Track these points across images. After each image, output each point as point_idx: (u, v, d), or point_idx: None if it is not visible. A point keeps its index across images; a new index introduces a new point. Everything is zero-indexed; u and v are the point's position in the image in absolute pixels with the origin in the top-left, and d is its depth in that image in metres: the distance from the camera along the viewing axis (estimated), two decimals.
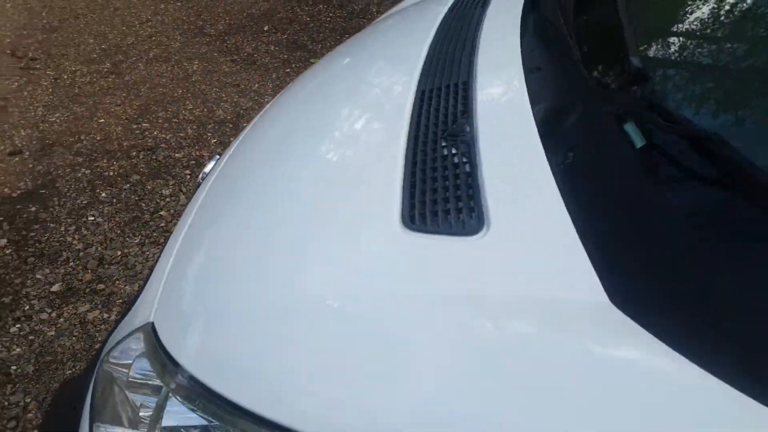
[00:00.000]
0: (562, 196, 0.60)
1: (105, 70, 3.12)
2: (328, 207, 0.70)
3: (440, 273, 0.57)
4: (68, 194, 2.24)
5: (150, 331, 0.64)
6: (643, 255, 0.54)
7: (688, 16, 0.84)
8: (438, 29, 1.05)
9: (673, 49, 0.81)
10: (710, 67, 0.74)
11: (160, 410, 0.56)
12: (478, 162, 0.68)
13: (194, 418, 0.54)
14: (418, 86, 0.86)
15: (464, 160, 0.69)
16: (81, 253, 1.99)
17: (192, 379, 0.55)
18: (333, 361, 0.54)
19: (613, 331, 0.48)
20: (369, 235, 0.64)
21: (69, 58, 3.21)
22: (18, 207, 2.17)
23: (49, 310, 1.78)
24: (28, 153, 2.46)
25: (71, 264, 1.94)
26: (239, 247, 0.70)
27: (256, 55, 3.39)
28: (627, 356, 0.47)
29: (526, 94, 0.76)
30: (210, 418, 0.53)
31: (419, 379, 0.50)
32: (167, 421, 0.55)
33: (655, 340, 0.46)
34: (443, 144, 0.73)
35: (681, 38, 0.81)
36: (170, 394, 0.56)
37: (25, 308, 1.78)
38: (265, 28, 3.71)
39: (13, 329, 1.72)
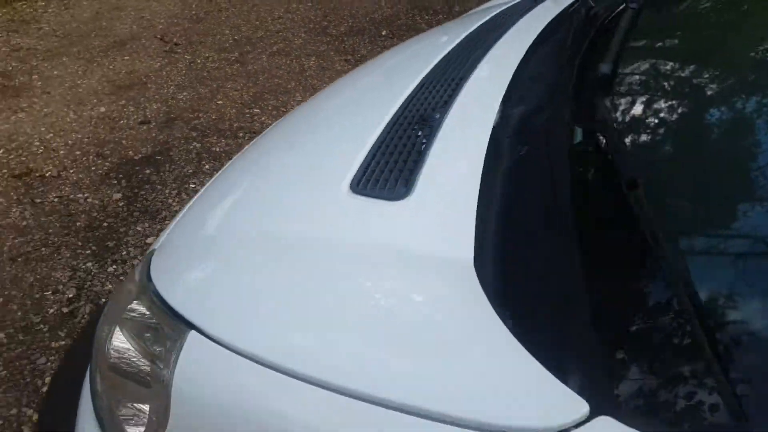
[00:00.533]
0: (482, 178, 0.68)
1: (233, 58, 3.46)
2: (309, 171, 0.83)
3: (365, 227, 0.69)
4: (178, 162, 2.55)
5: (149, 256, 0.79)
6: (506, 236, 0.61)
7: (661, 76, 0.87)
8: (474, 31, 1.14)
9: (632, 96, 0.85)
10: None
11: (125, 304, 0.73)
12: (432, 143, 0.78)
13: (148, 317, 0.69)
14: (425, 78, 0.96)
15: (423, 141, 0.80)
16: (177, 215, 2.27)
17: (154, 291, 0.70)
18: (272, 288, 0.67)
19: (461, 287, 0.56)
20: (324, 193, 0.78)
21: (205, 46, 3.59)
22: (136, 168, 2.50)
23: (141, 258, 2.06)
24: (154, 123, 2.81)
25: (167, 222, 2.22)
26: (229, 196, 0.85)
27: (369, 57, 3.58)
28: (462, 311, 0.55)
29: (503, 95, 0.84)
30: (156, 321, 0.68)
31: (326, 303, 0.62)
32: (128, 314, 0.71)
33: (488, 304, 0.53)
34: (414, 127, 0.83)
35: (647, 91, 0.85)
36: (136, 296, 0.72)
37: (123, 253, 2.07)
38: (383, 33, 3.90)
39: (110, 269, 2.01)
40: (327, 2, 4.36)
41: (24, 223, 2.18)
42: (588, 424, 0.43)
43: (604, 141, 0.68)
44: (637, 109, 0.79)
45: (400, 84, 0.97)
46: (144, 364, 0.66)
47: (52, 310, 1.85)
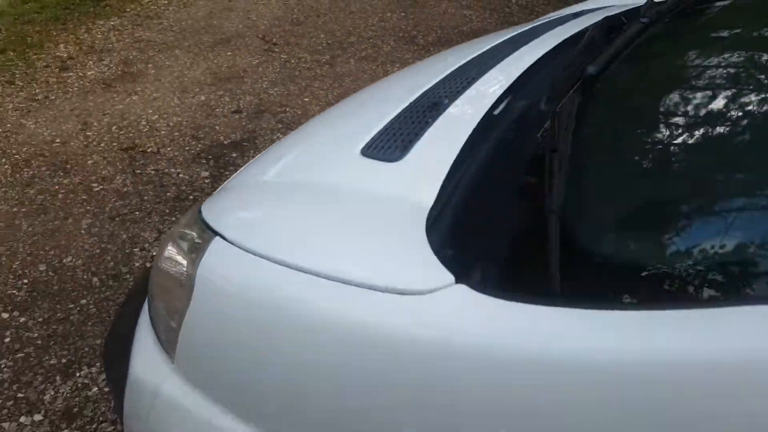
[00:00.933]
0: (459, 151, 0.84)
1: (323, 60, 3.72)
2: (338, 140, 1.04)
3: (363, 180, 0.89)
4: (261, 149, 2.80)
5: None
6: (457, 189, 0.77)
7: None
8: (509, 38, 1.29)
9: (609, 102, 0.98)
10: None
11: (179, 228, 0.95)
12: (434, 122, 0.95)
13: (195, 238, 0.89)
14: (451, 73, 1.13)
15: (428, 120, 0.97)
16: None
17: (201, 218, 0.91)
18: (283, 213, 0.89)
19: (413, 216, 0.74)
20: (342, 153, 0.98)
21: (300, 47, 3.88)
22: (224, 151, 2.79)
23: None
24: (245, 114, 3.10)
25: None
26: (276, 156, 1.07)
27: None
28: (407, 233, 0.73)
29: (503, 90, 0.99)
30: (199, 239, 0.88)
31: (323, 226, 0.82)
32: (180, 235, 0.93)
33: (429, 249, 0.68)
34: (425, 109, 1.01)
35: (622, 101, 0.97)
36: (188, 223, 0.93)
37: None
38: None
39: None
40: (419, 14, 4.55)
41: (125, 189, 2.51)
42: (449, 288, 0.62)
43: (555, 128, 0.82)
44: (596, 108, 0.91)
45: (428, 77, 1.15)
46: (183, 268, 0.87)
47: (137, 264, 2.13)
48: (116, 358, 1.04)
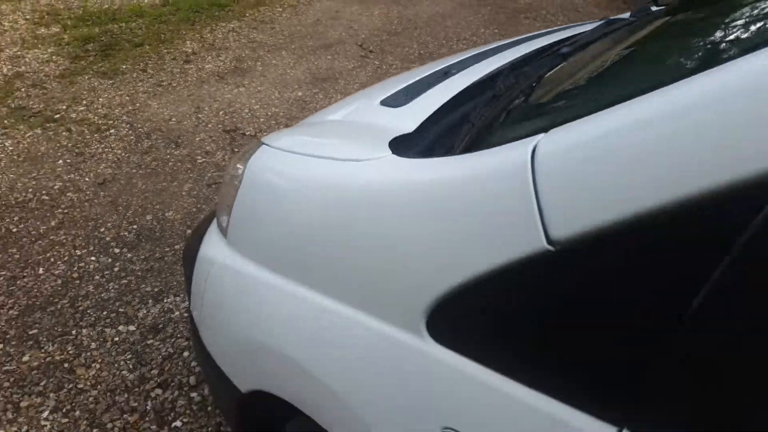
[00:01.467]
0: (445, 102, 1.11)
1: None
2: (374, 94, 1.32)
3: (374, 117, 1.18)
4: None
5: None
6: (431, 123, 1.03)
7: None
8: (537, 33, 1.53)
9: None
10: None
11: (244, 150, 1.25)
12: (438, 84, 1.23)
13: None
14: (475, 54, 1.38)
15: (435, 82, 1.25)
16: None
17: (261, 141, 1.21)
18: (316, 132, 1.20)
19: (389, 138, 0.99)
20: (368, 103, 1.27)
21: (393, 55, 4.19)
22: None
23: None
24: None
25: None
26: (327, 110, 1.36)
27: None
28: (383, 136, 0.98)
29: (501, 65, 1.22)
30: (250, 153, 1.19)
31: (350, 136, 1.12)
32: (244, 156, 1.22)
33: (387, 144, 0.95)
34: (437, 76, 1.29)
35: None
36: (249, 148, 1.23)
37: None
38: None
39: None
40: (512, 31, 4.74)
41: (223, 163, 2.90)
42: (386, 156, 0.92)
43: (515, 86, 1.05)
44: (536, 71, 1.12)
45: (454, 57, 1.41)
46: (239, 175, 1.16)
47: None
48: (190, 252, 1.37)
